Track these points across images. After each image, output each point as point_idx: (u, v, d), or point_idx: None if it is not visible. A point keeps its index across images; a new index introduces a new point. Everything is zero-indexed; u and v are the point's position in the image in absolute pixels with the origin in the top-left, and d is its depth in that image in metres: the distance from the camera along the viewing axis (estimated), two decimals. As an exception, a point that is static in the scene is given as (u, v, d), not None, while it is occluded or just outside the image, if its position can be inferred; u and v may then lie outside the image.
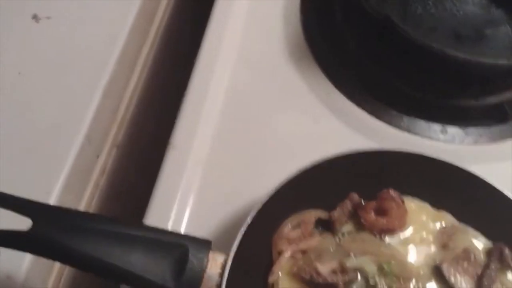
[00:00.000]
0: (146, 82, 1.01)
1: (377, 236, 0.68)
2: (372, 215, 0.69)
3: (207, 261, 0.59)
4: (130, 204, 0.98)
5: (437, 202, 0.70)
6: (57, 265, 0.75)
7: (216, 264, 0.59)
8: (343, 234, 0.68)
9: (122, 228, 0.58)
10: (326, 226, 0.69)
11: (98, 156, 0.86)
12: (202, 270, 0.59)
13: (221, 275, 0.58)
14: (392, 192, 0.68)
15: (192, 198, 0.72)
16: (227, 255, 0.60)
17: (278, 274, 0.64)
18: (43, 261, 0.63)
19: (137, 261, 0.56)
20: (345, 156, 0.67)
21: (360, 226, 0.68)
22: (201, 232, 0.64)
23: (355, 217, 0.69)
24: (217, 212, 0.69)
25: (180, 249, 0.58)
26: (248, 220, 0.62)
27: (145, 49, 0.98)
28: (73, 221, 0.56)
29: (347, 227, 0.68)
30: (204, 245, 0.61)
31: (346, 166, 0.68)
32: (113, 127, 0.91)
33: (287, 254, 0.65)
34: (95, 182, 0.86)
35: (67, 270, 0.78)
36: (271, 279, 0.64)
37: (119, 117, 0.92)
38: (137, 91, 0.98)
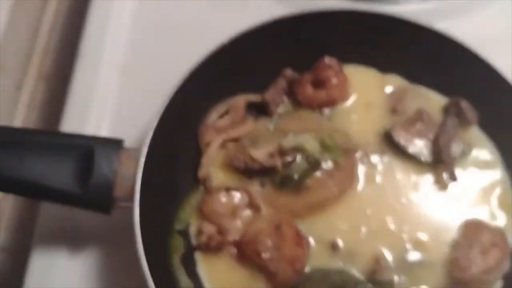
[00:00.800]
0: (67, 12, 0.92)
1: (317, 110, 0.61)
2: (309, 89, 0.61)
3: (119, 161, 0.52)
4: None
5: (383, 64, 0.61)
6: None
7: (130, 163, 0.52)
8: (279, 116, 0.60)
9: (12, 136, 0.51)
10: (260, 109, 0.61)
11: (19, 88, 0.79)
12: (114, 171, 0.52)
13: (136, 173, 0.52)
14: (328, 60, 0.59)
15: (111, 102, 0.64)
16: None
17: (209, 167, 0.58)
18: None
19: (32, 169, 0.49)
20: (269, 24, 0.58)
21: (297, 103, 0.61)
22: (125, 135, 0.56)
23: (291, 94, 0.61)
24: (140, 113, 0.60)
25: (83, 151, 0.51)
26: (162, 108, 0.54)
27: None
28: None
29: (284, 107, 0.61)
30: (114, 144, 0.53)
31: (273, 37, 0.59)
32: (34, 58, 0.83)
33: (216, 144, 0.58)
34: (25, 116, 0.79)
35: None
36: (201, 173, 0.57)
37: (40, 48, 0.85)
38: (58, 20, 0.89)
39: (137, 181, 0.51)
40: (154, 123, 0.53)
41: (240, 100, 0.61)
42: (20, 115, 0.78)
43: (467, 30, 0.64)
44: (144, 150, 0.52)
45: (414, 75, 0.61)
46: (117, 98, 0.64)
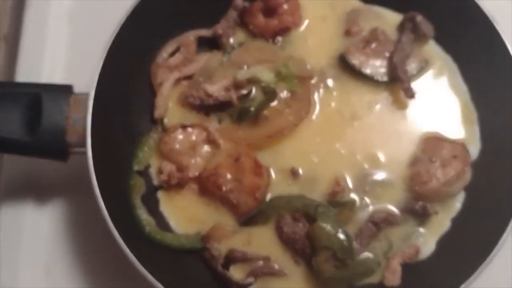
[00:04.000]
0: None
1: (271, 40, 0.59)
2: (260, 18, 0.59)
3: (69, 107, 0.51)
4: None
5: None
6: None
7: (80, 108, 0.51)
8: (233, 48, 0.59)
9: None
10: (213, 44, 0.59)
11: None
12: (65, 117, 0.51)
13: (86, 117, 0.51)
14: (276, -15, 0.58)
15: (63, 47, 0.63)
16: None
17: (164, 107, 0.56)
18: None
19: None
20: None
21: (251, 34, 0.59)
22: (81, 81, 0.55)
23: (244, 25, 0.59)
24: (91, 60, 0.59)
25: (31, 99, 0.50)
26: (106, 49, 0.52)
27: None
28: None
29: (237, 39, 0.59)
30: (62, 90, 0.52)
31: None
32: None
33: (169, 83, 0.57)
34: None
35: None
36: (157, 113, 0.56)
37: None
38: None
39: (88, 124, 0.51)
40: (100, 64, 0.52)
41: (190, 36, 0.59)
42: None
43: None
44: (92, 93, 0.51)
45: (367, -4, 0.60)
46: (67, 47, 0.63)
